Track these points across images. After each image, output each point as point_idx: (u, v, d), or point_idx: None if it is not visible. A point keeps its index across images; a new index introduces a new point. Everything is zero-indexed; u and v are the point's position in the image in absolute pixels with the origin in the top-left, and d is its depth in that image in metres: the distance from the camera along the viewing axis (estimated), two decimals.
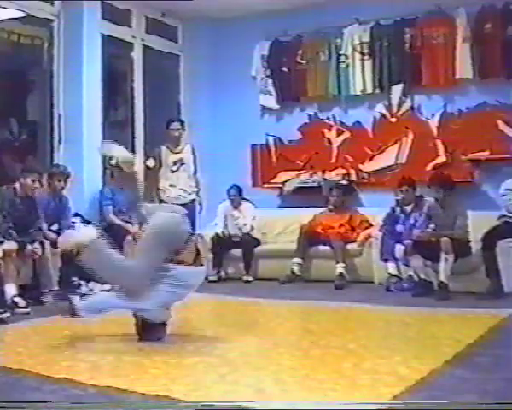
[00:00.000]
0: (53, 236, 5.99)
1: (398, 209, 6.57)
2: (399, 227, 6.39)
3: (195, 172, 7.37)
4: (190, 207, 7.33)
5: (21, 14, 6.69)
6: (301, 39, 7.89)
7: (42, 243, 5.65)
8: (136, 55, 7.97)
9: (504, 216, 5.87)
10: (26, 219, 5.71)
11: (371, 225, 6.93)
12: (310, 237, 6.95)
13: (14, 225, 5.55)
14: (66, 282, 5.93)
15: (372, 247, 6.67)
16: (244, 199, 7.58)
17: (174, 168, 7.26)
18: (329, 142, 7.80)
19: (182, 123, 7.45)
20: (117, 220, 6.75)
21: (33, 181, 5.75)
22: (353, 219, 7.08)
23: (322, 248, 6.87)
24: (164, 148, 7.30)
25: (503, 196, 5.89)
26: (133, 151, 7.85)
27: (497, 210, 6.04)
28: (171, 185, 7.24)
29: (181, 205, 7.17)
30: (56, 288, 5.72)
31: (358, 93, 7.57)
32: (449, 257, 5.63)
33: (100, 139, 7.10)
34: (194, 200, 7.36)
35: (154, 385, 2.98)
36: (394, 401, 2.73)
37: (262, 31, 7.99)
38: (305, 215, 7.29)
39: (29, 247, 5.51)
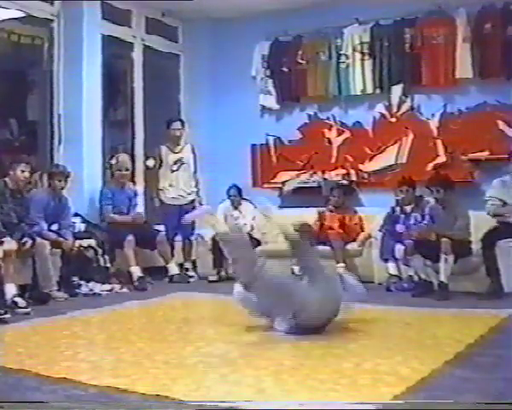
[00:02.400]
0: (53, 236, 5.99)
1: (398, 209, 6.57)
2: (399, 227, 6.38)
3: (195, 172, 7.38)
4: (190, 207, 7.35)
5: (21, 14, 6.70)
6: (301, 39, 7.89)
7: (33, 238, 5.62)
8: (136, 55, 7.97)
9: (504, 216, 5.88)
10: (17, 213, 5.68)
11: (363, 230, 6.93)
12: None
13: (3, 218, 5.53)
14: (67, 282, 5.95)
15: (372, 247, 6.67)
16: (244, 199, 7.58)
17: (174, 168, 7.27)
18: (329, 142, 7.80)
19: (182, 123, 7.46)
20: (118, 219, 6.76)
21: (22, 171, 5.71)
22: (353, 219, 7.07)
23: (321, 247, 6.85)
24: (164, 148, 7.31)
25: (487, 200, 5.90)
26: (133, 151, 7.87)
27: None
28: (170, 185, 7.25)
29: (180, 205, 7.25)
30: (56, 288, 5.73)
31: (358, 93, 7.57)
32: (449, 257, 5.62)
33: (100, 139, 7.13)
34: (193, 200, 7.37)
35: (154, 385, 2.98)
36: (395, 400, 2.73)
37: (262, 31, 7.99)
38: (305, 215, 7.26)
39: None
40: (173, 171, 7.26)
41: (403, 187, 6.56)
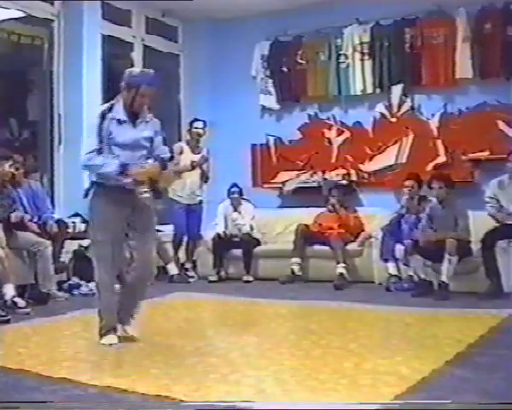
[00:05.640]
0: (55, 229, 5.97)
1: (404, 209, 6.51)
2: (403, 227, 6.36)
3: (208, 178, 7.35)
4: (198, 209, 7.34)
5: (21, 14, 6.70)
6: (301, 39, 7.89)
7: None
8: (136, 55, 7.97)
9: None
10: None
11: (363, 230, 6.92)
12: (306, 237, 6.94)
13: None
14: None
15: (372, 247, 6.67)
16: (244, 199, 7.58)
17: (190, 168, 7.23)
18: (329, 142, 7.80)
19: (204, 123, 7.44)
20: None
21: (10, 166, 5.70)
22: (353, 219, 7.07)
23: (320, 247, 6.86)
24: (186, 146, 7.31)
25: (487, 203, 5.91)
26: None
27: None
28: (182, 185, 7.17)
29: (189, 205, 7.24)
30: (56, 288, 5.72)
31: (358, 93, 7.57)
32: (453, 258, 5.62)
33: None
34: (201, 201, 7.37)
35: (154, 385, 2.97)
36: (395, 400, 2.72)
37: (262, 31, 7.99)
38: (305, 215, 7.28)
39: None
40: (188, 170, 7.21)
41: (409, 183, 6.52)
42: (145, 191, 3.81)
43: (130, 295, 4.02)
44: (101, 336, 3.88)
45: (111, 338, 3.86)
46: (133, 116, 3.92)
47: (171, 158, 4.20)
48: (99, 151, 3.81)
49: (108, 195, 3.86)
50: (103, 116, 3.88)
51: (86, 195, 3.96)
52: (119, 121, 3.87)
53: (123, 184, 3.80)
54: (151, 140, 3.98)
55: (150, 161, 3.93)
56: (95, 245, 3.96)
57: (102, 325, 3.90)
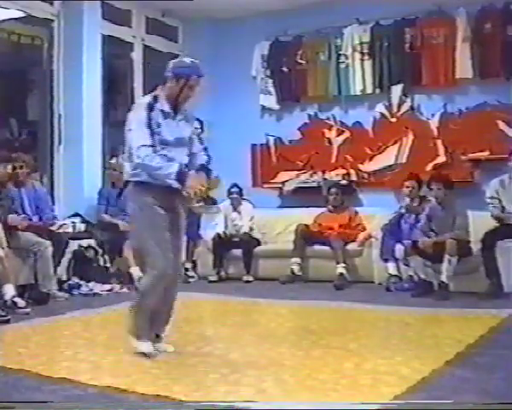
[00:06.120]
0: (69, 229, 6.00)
1: (404, 209, 6.51)
2: (403, 227, 6.35)
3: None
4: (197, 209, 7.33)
5: (21, 14, 6.70)
6: (301, 39, 7.90)
7: None
8: (136, 55, 7.98)
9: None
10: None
11: (365, 229, 6.92)
12: (306, 237, 6.94)
13: None
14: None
15: (372, 247, 6.67)
16: (244, 199, 7.58)
17: None
18: (329, 142, 7.81)
19: (201, 123, 7.40)
20: (109, 219, 6.67)
21: (13, 168, 5.73)
22: (353, 219, 7.07)
23: (320, 247, 6.86)
24: None
25: (489, 203, 5.91)
26: None
27: None
28: None
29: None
30: (56, 288, 5.73)
31: (358, 93, 7.58)
32: (453, 259, 5.62)
33: (100, 139, 7.12)
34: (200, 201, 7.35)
35: (154, 385, 2.98)
36: (395, 400, 2.72)
37: (262, 31, 7.99)
38: (305, 215, 7.28)
39: None
40: None
41: (410, 183, 6.51)
42: (199, 202, 3.64)
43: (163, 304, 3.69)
44: (137, 338, 3.61)
45: (147, 346, 3.59)
46: (174, 111, 3.70)
47: (209, 161, 3.96)
48: (154, 148, 3.49)
49: (154, 194, 3.57)
50: (151, 107, 3.58)
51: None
52: (165, 115, 3.63)
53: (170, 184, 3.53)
54: (190, 138, 3.81)
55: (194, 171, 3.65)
56: (145, 250, 3.61)
57: (138, 328, 3.61)
